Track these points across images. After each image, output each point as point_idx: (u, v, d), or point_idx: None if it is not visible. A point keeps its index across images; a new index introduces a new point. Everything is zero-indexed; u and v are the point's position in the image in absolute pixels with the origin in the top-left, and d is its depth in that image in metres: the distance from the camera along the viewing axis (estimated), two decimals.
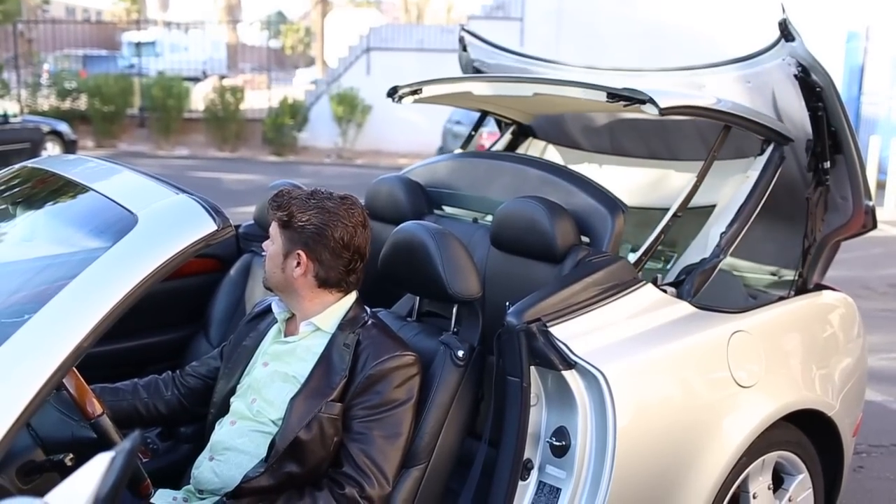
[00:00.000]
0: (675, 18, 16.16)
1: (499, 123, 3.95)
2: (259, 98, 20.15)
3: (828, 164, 2.71)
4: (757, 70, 2.74)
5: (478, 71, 3.69)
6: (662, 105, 2.39)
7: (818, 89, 2.56)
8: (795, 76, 2.58)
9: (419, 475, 2.09)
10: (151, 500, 2.04)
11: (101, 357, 2.74)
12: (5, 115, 12.23)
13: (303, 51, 39.92)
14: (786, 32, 2.52)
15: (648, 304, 2.41)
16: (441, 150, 12.95)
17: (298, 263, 2.10)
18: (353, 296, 2.19)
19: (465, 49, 3.66)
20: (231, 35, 31.53)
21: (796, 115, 2.71)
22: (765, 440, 2.47)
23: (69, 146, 13.56)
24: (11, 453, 1.80)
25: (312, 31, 32.36)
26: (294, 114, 17.90)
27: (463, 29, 3.64)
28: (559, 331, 2.18)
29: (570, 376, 2.14)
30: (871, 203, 2.84)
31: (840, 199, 2.86)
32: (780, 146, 2.74)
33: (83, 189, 2.09)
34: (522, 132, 3.86)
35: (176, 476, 2.28)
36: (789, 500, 2.70)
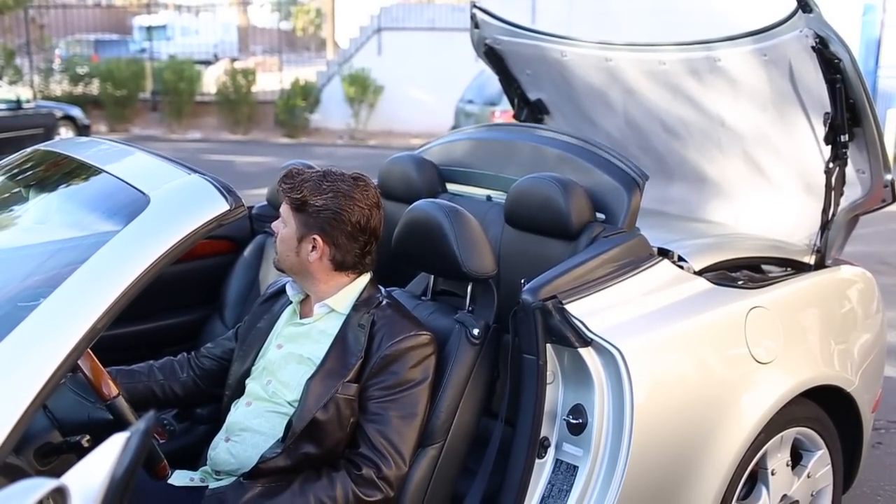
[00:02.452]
0: None
1: (512, 102, 3.92)
2: (271, 80, 20.13)
3: (846, 138, 2.68)
4: (773, 43, 2.70)
5: (490, 49, 3.65)
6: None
7: (837, 61, 2.52)
8: (813, 48, 2.54)
9: (436, 454, 2.09)
10: (169, 481, 2.05)
11: (117, 340, 2.76)
12: (18, 101, 12.26)
13: (314, 32, 39.81)
14: (803, 3, 2.48)
15: (665, 280, 2.39)
16: (454, 130, 12.88)
17: (314, 248, 2.09)
18: (367, 276, 2.18)
19: (476, 26, 3.62)
20: (242, 17, 31.49)
21: (814, 87, 2.68)
22: (783, 416, 2.46)
23: (82, 131, 13.59)
24: (29, 435, 1.81)
25: (323, 12, 32.23)
26: (306, 95, 17.87)
27: (474, 6, 3.60)
28: (575, 308, 2.16)
29: (587, 353, 2.13)
30: (890, 177, 2.80)
31: (858, 172, 2.83)
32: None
33: (95, 171, 2.08)
34: (537, 111, 3.83)
35: (193, 457, 2.29)
36: (808, 477, 2.69)
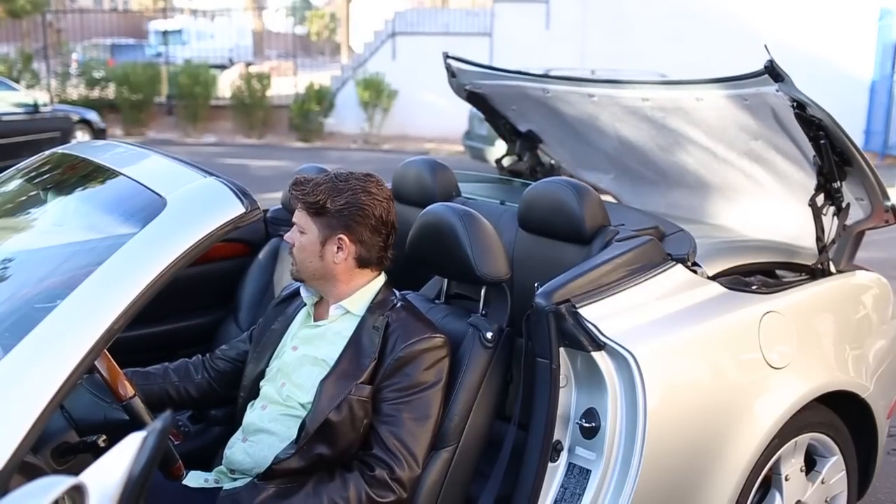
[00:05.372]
0: None
1: (503, 137, 3.90)
2: (285, 84, 20.19)
3: (838, 184, 2.66)
4: (751, 91, 2.67)
5: (472, 94, 3.64)
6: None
7: (817, 120, 2.50)
8: (792, 107, 2.51)
9: (449, 457, 2.09)
10: (183, 482, 2.06)
11: (133, 341, 2.78)
12: (35, 105, 12.32)
13: (328, 37, 39.95)
14: (774, 74, 2.43)
15: (678, 284, 2.38)
16: (468, 134, 12.88)
17: (340, 248, 2.10)
18: (381, 278, 2.20)
19: (453, 75, 3.62)
20: (257, 22, 31.63)
21: (800, 130, 2.64)
22: (797, 422, 2.45)
23: (98, 135, 13.64)
24: (46, 435, 1.83)
25: (338, 16, 32.37)
26: (320, 100, 17.92)
27: (447, 56, 3.59)
28: (588, 312, 2.16)
29: (600, 357, 2.13)
30: (889, 203, 2.78)
31: (858, 200, 2.81)
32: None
33: (112, 174, 2.10)
34: (530, 141, 3.81)
35: (207, 458, 2.30)
36: (822, 483, 2.68)
